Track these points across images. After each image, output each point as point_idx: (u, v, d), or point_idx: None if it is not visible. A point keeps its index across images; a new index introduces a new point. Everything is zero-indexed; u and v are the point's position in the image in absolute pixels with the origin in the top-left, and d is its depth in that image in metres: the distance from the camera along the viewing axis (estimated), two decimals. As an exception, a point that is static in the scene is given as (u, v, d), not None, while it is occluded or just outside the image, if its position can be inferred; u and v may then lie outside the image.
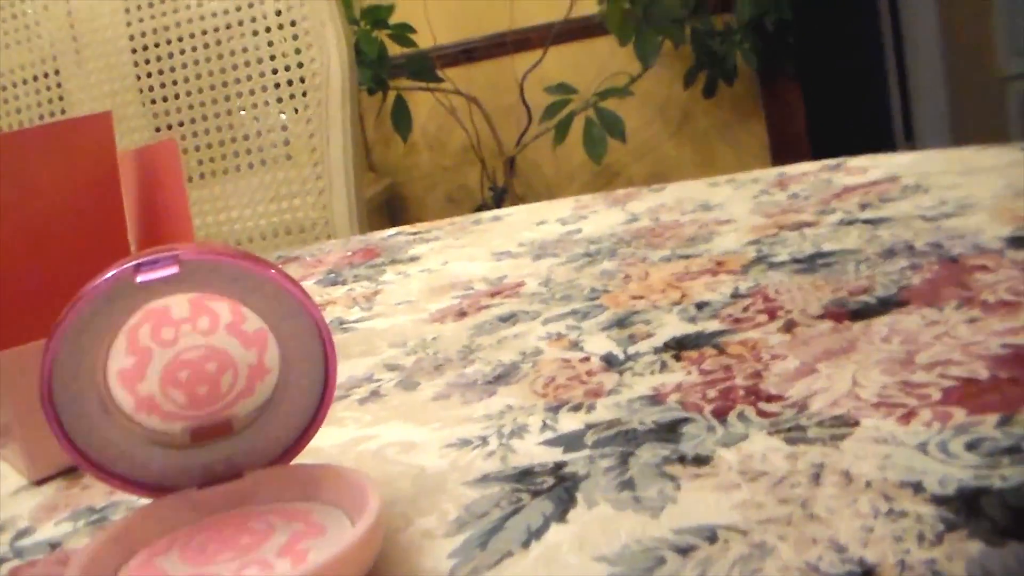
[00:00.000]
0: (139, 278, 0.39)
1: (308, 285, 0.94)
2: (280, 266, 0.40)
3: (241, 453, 0.43)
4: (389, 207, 3.00)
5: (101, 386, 0.42)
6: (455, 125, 2.95)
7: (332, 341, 0.42)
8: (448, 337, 0.67)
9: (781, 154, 2.84)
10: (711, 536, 0.35)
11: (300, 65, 1.45)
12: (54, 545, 0.47)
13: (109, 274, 0.39)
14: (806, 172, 0.98)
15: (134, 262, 0.39)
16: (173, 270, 0.39)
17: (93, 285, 0.39)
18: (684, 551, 0.34)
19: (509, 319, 0.68)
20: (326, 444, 0.52)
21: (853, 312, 0.55)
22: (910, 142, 2.57)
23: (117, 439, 0.42)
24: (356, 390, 0.59)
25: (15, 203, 0.64)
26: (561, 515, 0.39)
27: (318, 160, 1.44)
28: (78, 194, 0.67)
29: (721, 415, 0.45)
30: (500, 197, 2.85)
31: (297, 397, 0.43)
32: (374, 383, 0.60)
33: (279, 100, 1.47)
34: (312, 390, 0.43)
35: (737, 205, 0.90)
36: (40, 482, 0.56)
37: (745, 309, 0.59)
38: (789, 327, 0.55)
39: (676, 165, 2.89)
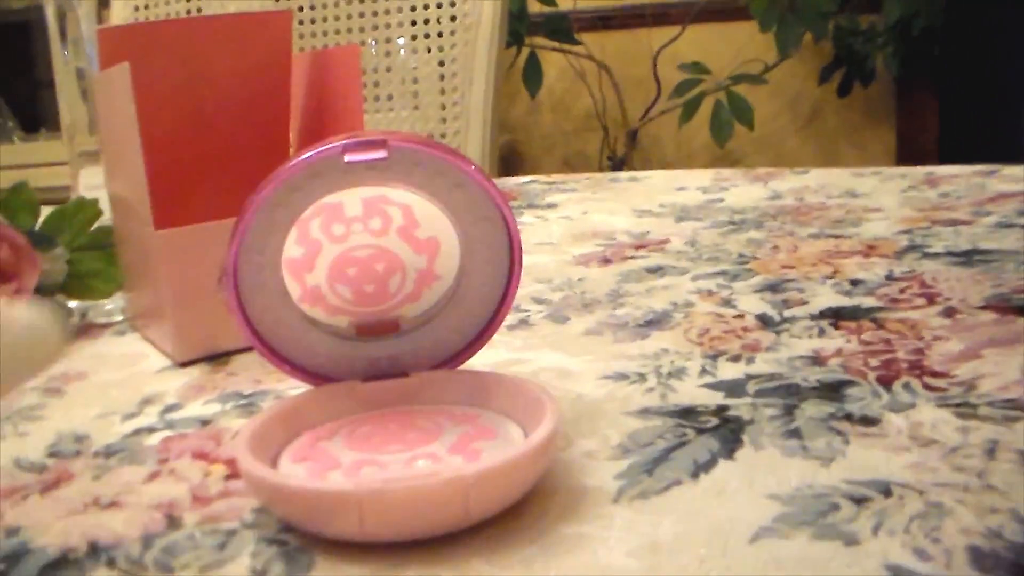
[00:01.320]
0: (347, 158, 0.39)
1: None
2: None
3: (408, 353, 0.44)
4: (505, 163, 3.00)
5: (279, 268, 0.42)
6: (583, 90, 2.94)
7: (521, 249, 0.42)
8: (595, 280, 0.67)
9: (907, 164, 2.80)
10: (886, 490, 0.35)
11: (453, 4, 1.46)
12: (205, 422, 0.48)
13: (316, 150, 0.39)
14: (956, 174, 0.97)
15: (343, 141, 0.39)
16: (381, 154, 0.39)
17: (298, 159, 0.39)
18: (858, 501, 0.34)
19: (656, 271, 0.68)
20: (476, 363, 0.52)
21: (1018, 308, 0.54)
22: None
23: (287, 323, 0.43)
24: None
25: (186, 87, 0.65)
26: (728, 453, 0.39)
27: (457, 101, 1.44)
28: (249, 88, 0.69)
29: (886, 383, 0.45)
30: (618, 168, 2.84)
31: (474, 303, 0.44)
32: (522, 312, 0.60)
33: (427, 36, 1.48)
34: (490, 298, 0.43)
35: (885, 196, 0.89)
36: (184, 364, 0.57)
37: (902, 291, 0.59)
38: (949, 313, 0.54)
39: (797, 161, 2.85)
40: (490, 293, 0.43)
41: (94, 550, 0.36)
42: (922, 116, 2.79)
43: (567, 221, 0.88)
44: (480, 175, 0.41)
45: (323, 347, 0.43)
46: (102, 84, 0.61)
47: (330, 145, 0.39)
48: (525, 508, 0.36)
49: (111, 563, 0.35)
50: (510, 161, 3.06)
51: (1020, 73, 2.61)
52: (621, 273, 0.68)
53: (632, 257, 0.72)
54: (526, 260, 0.74)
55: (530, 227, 0.87)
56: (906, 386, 0.44)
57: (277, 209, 0.40)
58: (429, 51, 1.49)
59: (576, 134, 3.04)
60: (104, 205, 0.67)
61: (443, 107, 1.47)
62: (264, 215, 0.40)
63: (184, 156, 0.65)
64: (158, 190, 0.56)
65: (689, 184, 1.02)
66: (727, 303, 0.59)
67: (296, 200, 0.40)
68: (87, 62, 0.71)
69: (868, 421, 0.41)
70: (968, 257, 0.65)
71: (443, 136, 1.47)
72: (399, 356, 0.44)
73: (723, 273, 0.66)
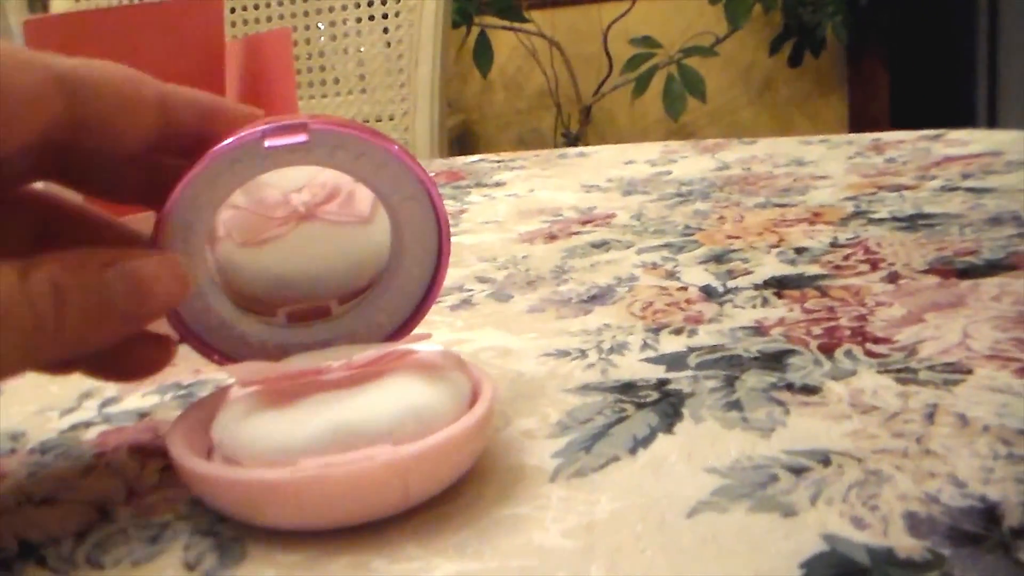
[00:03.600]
0: (267, 143, 0.38)
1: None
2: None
3: (342, 337, 0.43)
4: (460, 143, 2.99)
5: (208, 255, 0.41)
6: (534, 68, 2.93)
7: (448, 228, 0.41)
8: (539, 257, 0.66)
9: (859, 132, 2.81)
10: (824, 459, 0.35)
11: (397, -16, 1.44)
12: (143, 414, 0.47)
13: (235, 137, 0.38)
14: (903, 140, 0.97)
15: (262, 127, 0.38)
16: (301, 138, 0.38)
17: (218, 147, 0.38)
18: (797, 471, 0.34)
19: (601, 246, 0.67)
20: (421, 345, 0.52)
21: (960, 271, 0.54)
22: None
23: (216, 312, 0.42)
24: (447, 297, 0.59)
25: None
26: (668, 427, 0.38)
27: (404, 82, 1.43)
28: (181, 76, 0.67)
29: (827, 351, 0.44)
30: (573, 144, 2.84)
31: (406, 284, 0.43)
32: (465, 292, 0.60)
33: (371, 19, 1.46)
34: (421, 278, 0.43)
35: (831, 164, 0.89)
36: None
37: (846, 258, 0.58)
38: (893, 278, 0.54)
39: (751, 132, 2.86)
40: (421, 273, 0.43)
41: (25, 549, 0.35)
42: (873, 84, 2.80)
43: (514, 199, 0.88)
44: (404, 154, 0.40)
45: (254, 335, 0.43)
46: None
47: (249, 131, 0.38)
48: (461, 490, 0.35)
49: (41, 562, 0.34)
50: (465, 141, 3.05)
51: (970, 40, 2.62)
52: (566, 249, 0.67)
53: (577, 233, 0.72)
54: (471, 239, 0.73)
55: (476, 206, 0.86)
56: (847, 353, 0.44)
57: (199, 198, 0.39)
58: (373, 33, 1.48)
59: (530, 112, 3.03)
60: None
61: (391, 88, 1.46)
62: (185, 205, 0.39)
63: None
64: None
65: (638, 158, 1.02)
66: (671, 276, 0.58)
67: (218, 188, 0.39)
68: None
69: (809, 390, 0.40)
70: (912, 222, 0.65)
71: (391, 118, 1.45)
72: (332, 341, 0.43)
73: (668, 246, 0.65)
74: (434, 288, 0.43)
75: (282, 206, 0.45)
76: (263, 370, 0.36)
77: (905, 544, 0.29)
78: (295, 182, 0.45)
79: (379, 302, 0.43)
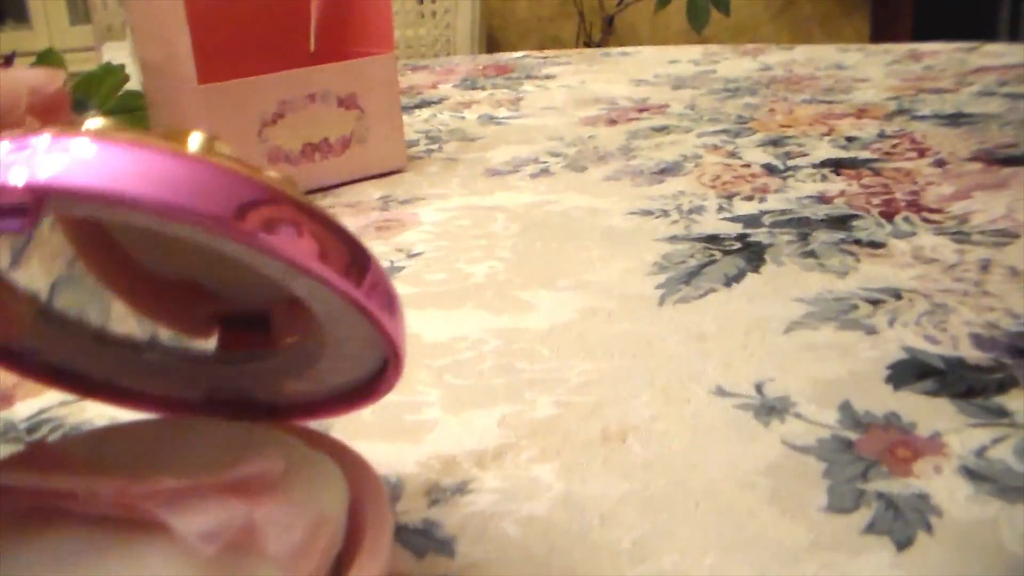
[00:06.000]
0: None
1: (445, 88, 0.98)
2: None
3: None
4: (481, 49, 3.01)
5: None
6: (558, -26, 2.94)
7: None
8: (604, 137, 0.71)
9: (877, 53, 2.82)
10: (896, 295, 0.40)
11: None
12: None
13: None
14: (938, 51, 1.01)
15: None
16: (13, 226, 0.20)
17: None
18: (874, 302, 0.39)
19: (662, 130, 0.72)
20: (511, 204, 0.56)
21: (1001, 160, 0.59)
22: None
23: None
24: (525, 167, 0.64)
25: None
26: (755, 268, 0.44)
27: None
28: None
29: (888, 216, 0.50)
30: (593, 53, 2.86)
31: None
32: (541, 164, 0.65)
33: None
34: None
35: (871, 68, 0.93)
36: None
37: (894, 146, 0.63)
38: (939, 164, 0.59)
39: (769, 49, 2.87)
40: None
41: None
42: (896, 3, 2.82)
43: (567, 89, 0.92)
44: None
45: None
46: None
47: None
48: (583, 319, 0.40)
49: None
50: (486, 46, 3.07)
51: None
52: (628, 132, 0.72)
53: (636, 119, 0.77)
54: (535, 122, 0.78)
55: (532, 94, 0.90)
56: (906, 219, 0.49)
57: None
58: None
59: (551, 20, 3.05)
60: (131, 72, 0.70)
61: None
62: None
63: (215, 19, 0.69)
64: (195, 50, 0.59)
65: (681, 57, 1.06)
66: (733, 155, 0.63)
67: None
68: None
69: (875, 245, 0.46)
70: (954, 120, 0.70)
71: (433, 15, 1.49)
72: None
73: (725, 131, 0.70)
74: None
75: None
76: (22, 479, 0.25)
77: (973, 355, 0.35)
78: None
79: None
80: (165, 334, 0.30)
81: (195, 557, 0.22)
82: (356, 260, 0.22)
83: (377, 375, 0.27)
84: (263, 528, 0.22)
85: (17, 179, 0.20)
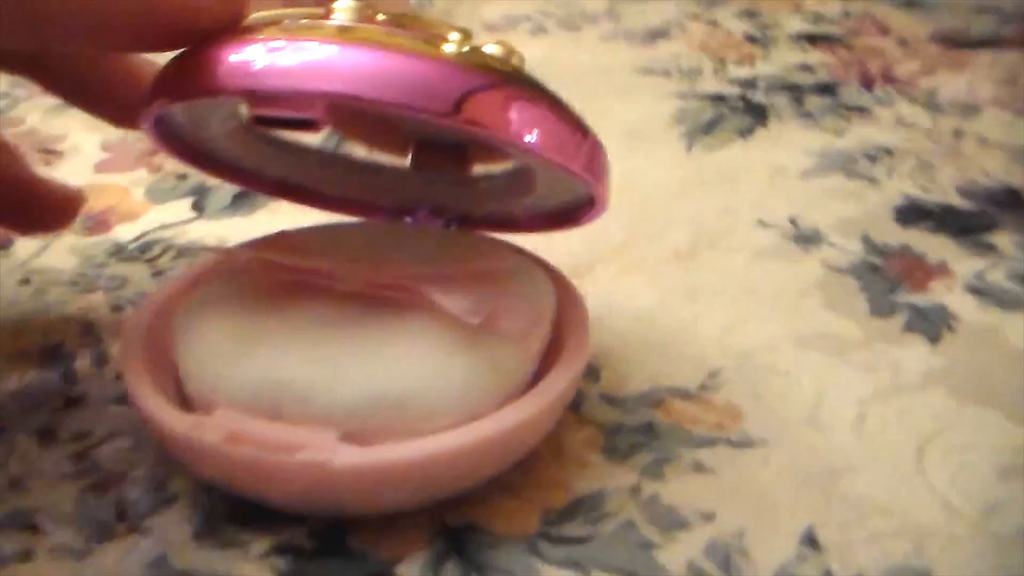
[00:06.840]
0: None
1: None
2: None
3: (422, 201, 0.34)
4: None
5: None
6: None
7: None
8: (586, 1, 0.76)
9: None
10: (889, 152, 0.47)
11: None
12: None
13: None
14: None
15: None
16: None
17: None
18: (872, 157, 0.46)
19: (641, -3, 0.77)
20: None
21: (959, 42, 0.65)
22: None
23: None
24: (520, 24, 0.68)
25: None
26: (763, 124, 0.50)
27: None
28: None
29: (867, 86, 0.56)
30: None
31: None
32: (535, 21, 0.69)
33: None
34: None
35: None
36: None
37: (859, 24, 0.69)
38: (903, 43, 0.65)
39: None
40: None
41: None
42: None
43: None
44: None
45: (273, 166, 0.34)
46: None
47: None
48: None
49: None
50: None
51: None
52: (609, -3, 0.77)
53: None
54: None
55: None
56: (883, 90, 0.56)
57: None
58: None
59: None
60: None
61: None
62: None
63: None
64: None
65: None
66: (714, 24, 0.69)
67: None
68: None
69: (861, 110, 0.52)
70: (910, 5, 0.76)
71: None
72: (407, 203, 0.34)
73: (699, 1, 0.75)
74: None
75: None
76: (256, 254, 0.29)
77: (960, 203, 0.42)
78: None
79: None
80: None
81: (452, 331, 0.25)
82: (574, 134, 0.25)
83: (574, 206, 0.30)
84: (501, 313, 0.25)
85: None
